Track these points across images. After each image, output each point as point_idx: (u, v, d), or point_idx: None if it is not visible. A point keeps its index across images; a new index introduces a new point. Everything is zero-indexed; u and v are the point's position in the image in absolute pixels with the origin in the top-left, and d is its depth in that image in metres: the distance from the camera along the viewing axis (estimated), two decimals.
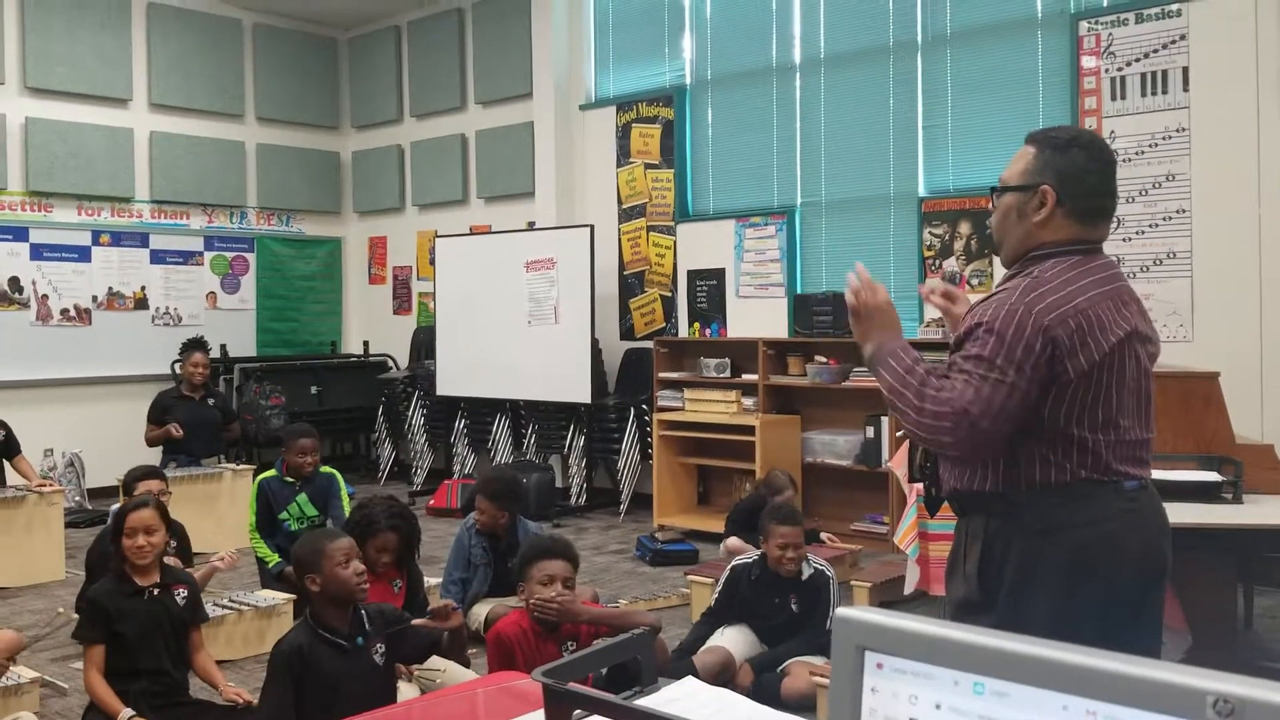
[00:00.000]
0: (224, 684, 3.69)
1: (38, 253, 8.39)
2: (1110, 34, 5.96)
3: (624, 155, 8.21)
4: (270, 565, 5.26)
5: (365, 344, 10.13)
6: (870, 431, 6.66)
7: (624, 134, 8.19)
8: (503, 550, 4.93)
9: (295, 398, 8.88)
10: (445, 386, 8.63)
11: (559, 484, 8.03)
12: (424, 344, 9.25)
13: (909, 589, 4.73)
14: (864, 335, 2.24)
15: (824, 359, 6.83)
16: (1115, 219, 2.29)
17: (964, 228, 6.54)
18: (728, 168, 7.74)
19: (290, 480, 5.43)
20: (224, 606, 4.67)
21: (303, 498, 5.43)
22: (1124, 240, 5.81)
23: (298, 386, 9.06)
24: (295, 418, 8.72)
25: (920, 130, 6.77)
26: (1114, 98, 5.95)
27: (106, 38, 8.69)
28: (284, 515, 5.39)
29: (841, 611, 0.88)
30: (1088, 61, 6.03)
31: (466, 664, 3.84)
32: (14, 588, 5.69)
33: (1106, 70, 5.97)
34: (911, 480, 4.01)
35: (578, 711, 1.47)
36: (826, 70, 7.20)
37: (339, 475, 5.62)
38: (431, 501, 7.99)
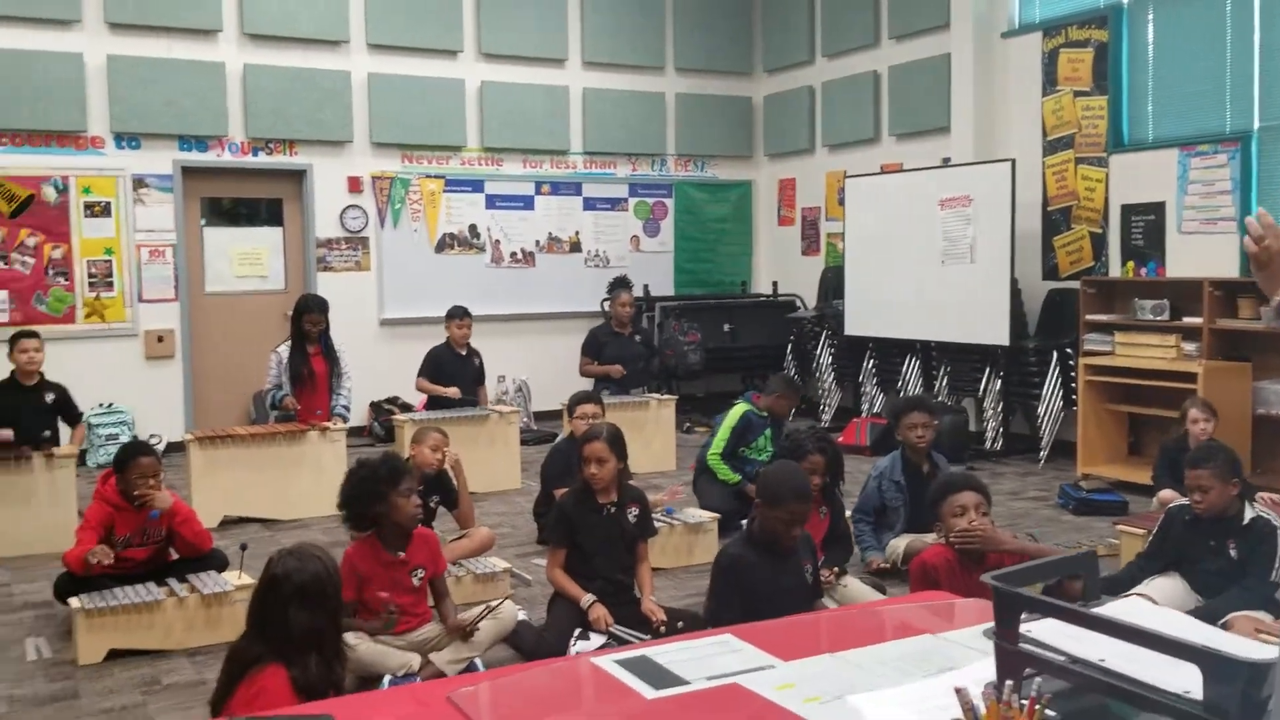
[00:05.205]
0: (648, 597, 3.98)
1: (491, 202, 9.42)
2: None
3: (1050, 83, 7.74)
4: (731, 484, 5.72)
5: (774, 284, 10.40)
6: None
7: (1050, 60, 7.72)
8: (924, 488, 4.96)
9: (710, 335, 9.34)
10: (853, 326, 8.69)
11: (972, 428, 7.85)
12: (832, 284, 9.34)
13: None
14: (1273, 284, 2.06)
15: None
16: None
17: None
18: (1170, 92, 7.06)
19: (764, 415, 5.92)
20: (659, 520, 5.08)
21: (769, 433, 5.91)
22: None
23: (712, 324, 9.51)
24: (710, 354, 9.22)
25: None
26: None
27: (546, 4, 9.48)
28: (749, 448, 5.87)
29: None
30: None
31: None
32: (482, 493, 6.51)
33: None
34: None
35: (1025, 615, 1.49)
36: None
37: None
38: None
